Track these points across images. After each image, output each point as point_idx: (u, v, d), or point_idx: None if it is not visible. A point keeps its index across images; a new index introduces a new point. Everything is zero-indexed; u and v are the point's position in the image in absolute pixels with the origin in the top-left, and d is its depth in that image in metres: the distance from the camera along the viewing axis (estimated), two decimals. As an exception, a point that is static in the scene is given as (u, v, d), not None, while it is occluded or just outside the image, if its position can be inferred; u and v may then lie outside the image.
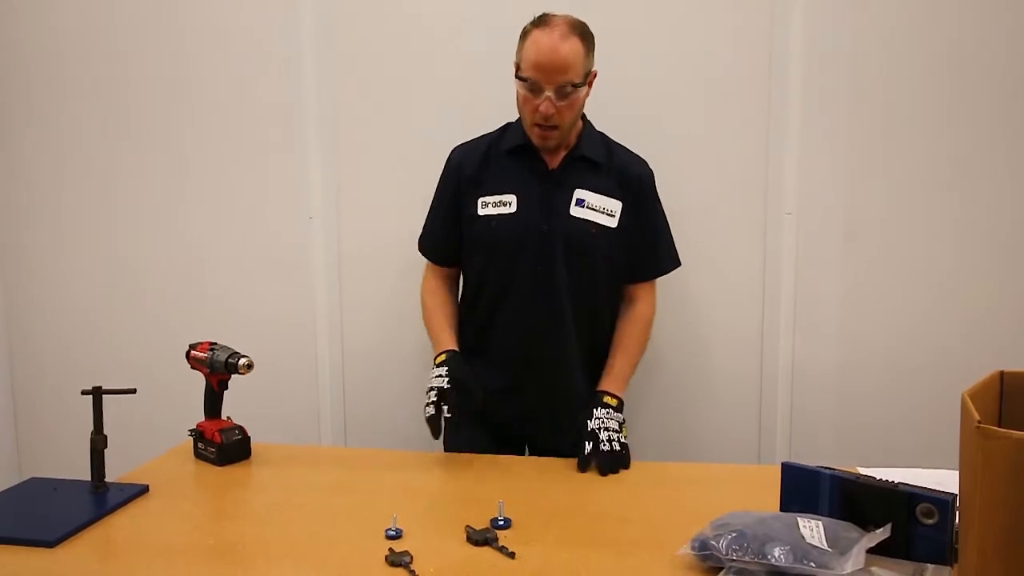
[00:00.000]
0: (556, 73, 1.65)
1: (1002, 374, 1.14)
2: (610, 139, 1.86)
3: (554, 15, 1.69)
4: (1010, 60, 1.95)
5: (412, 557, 1.22)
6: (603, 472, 1.60)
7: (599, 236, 1.77)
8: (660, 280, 1.91)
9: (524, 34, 1.71)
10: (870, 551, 1.13)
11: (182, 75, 2.29)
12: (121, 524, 1.40)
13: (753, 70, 2.04)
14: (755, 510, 1.23)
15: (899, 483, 1.18)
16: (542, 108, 1.67)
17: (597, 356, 1.82)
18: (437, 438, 1.64)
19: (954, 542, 1.12)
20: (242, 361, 1.67)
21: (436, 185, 1.89)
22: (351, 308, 2.28)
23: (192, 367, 1.76)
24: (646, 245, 1.84)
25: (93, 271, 2.41)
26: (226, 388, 1.73)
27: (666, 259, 1.89)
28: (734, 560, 1.13)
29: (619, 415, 1.71)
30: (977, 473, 0.95)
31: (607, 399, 1.73)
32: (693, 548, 1.18)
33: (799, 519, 1.17)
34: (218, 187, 2.31)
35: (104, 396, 1.51)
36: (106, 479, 1.52)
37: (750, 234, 2.09)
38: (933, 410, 1.96)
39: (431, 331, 1.84)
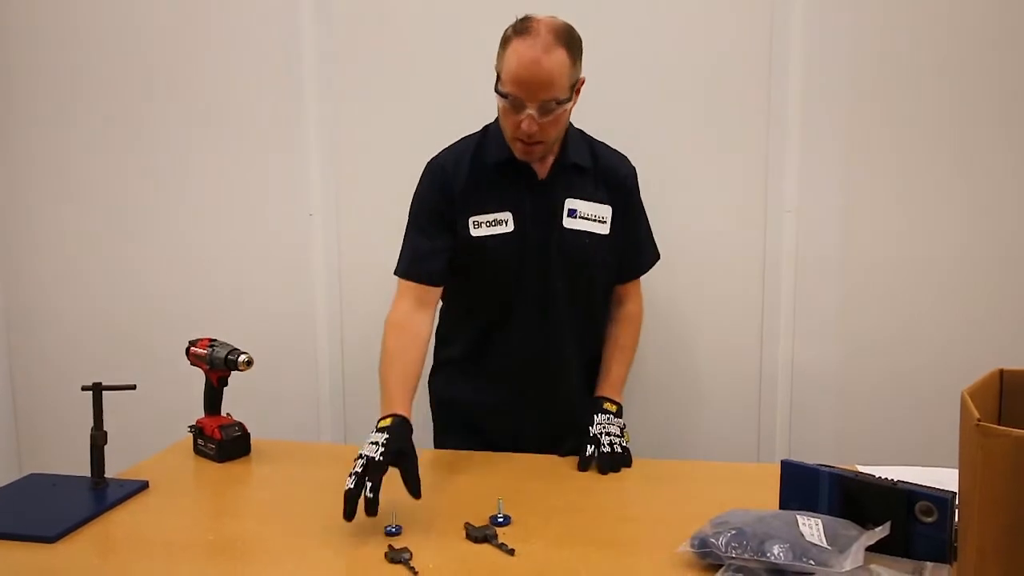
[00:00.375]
0: (539, 90, 1.51)
1: (1002, 372, 1.14)
2: (591, 137, 1.77)
3: (537, 20, 1.51)
4: (1010, 60, 1.94)
5: (411, 554, 1.22)
6: (603, 471, 1.58)
7: (593, 245, 1.70)
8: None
9: (504, 41, 1.54)
10: (869, 549, 1.13)
11: (182, 74, 2.29)
12: (121, 520, 1.40)
13: (753, 70, 2.03)
14: (754, 508, 1.23)
15: (898, 481, 1.18)
16: (524, 126, 1.53)
17: (593, 360, 1.80)
18: (350, 520, 1.29)
19: (953, 540, 1.12)
20: (242, 358, 1.68)
21: (412, 201, 1.74)
22: (351, 305, 2.28)
23: (192, 363, 1.76)
24: (633, 244, 1.79)
25: (93, 267, 2.41)
26: (226, 384, 1.74)
27: (651, 255, 1.85)
28: (733, 558, 1.13)
29: (620, 420, 1.68)
30: (976, 471, 0.95)
31: (607, 405, 1.70)
32: (692, 546, 1.18)
33: (798, 517, 1.17)
34: (218, 185, 2.31)
35: (104, 392, 1.51)
36: (106, 475, 1.52)
37: (750, 233, 2.09)
38: (932, 409, 1.96)
39: (384, 381, 1.54)
